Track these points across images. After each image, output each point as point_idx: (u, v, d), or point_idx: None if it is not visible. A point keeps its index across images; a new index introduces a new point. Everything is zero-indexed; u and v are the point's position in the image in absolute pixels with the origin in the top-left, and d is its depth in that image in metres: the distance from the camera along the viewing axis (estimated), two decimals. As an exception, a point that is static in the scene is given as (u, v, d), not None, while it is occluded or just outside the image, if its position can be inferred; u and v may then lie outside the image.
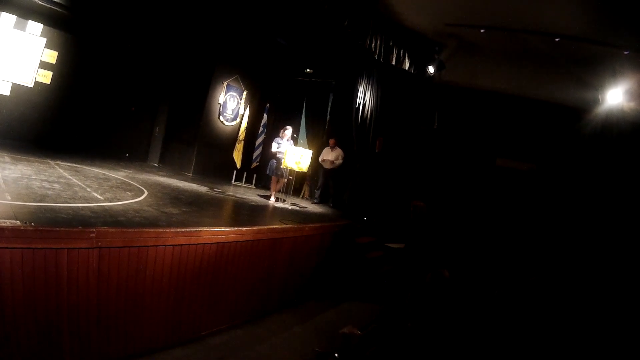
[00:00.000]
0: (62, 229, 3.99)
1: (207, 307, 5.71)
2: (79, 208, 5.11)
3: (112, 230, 4.34)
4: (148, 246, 4.66)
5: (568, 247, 10.94)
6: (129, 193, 7.04)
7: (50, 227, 3.96)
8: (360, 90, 12.41)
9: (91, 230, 4.12)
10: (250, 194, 11.32)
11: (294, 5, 10.21)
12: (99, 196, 6.14)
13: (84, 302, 4.18)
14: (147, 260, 4.68)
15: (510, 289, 8.48)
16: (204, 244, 5.37)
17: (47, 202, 5.02)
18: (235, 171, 13.47)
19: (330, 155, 12.03)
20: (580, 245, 10.78)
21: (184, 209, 6.80)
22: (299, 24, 11.40)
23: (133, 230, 4.58)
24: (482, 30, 10.12)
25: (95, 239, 4.13)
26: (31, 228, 3.77)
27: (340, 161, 12.02)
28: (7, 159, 7.69)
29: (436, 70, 11.65)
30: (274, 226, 7.07)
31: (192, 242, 5.20)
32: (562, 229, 11.52)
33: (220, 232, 5.65)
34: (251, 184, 13.65)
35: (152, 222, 5.31)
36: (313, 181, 13.15)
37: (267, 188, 12.08)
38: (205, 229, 5.44)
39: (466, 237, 12.04)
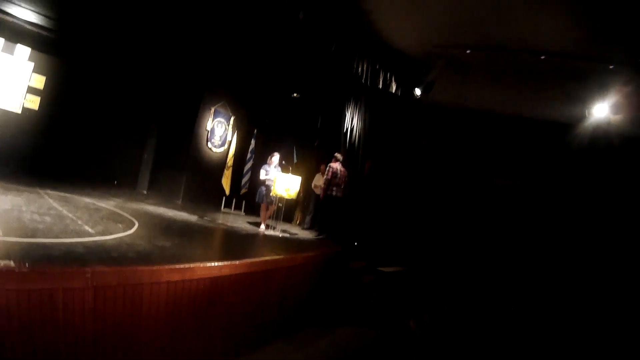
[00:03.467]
0: (58, 269, 3.94)
1: (203, 341, 5.64)
2: (72, 244, 5.05)
3: (107, 269, 4.30)
4: (143, 283, 4.61)
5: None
6: (120, 225, 6.97)
7: (45, 267, 3.91)
8: (348, 115, 12.52)
9: (86, 270, 4.07)
10: (240, 222, 11.27)
11: (281, 30, 10.28)
12: (90, 229, 6.07)
13: (81, 341, 4.11)
14: (142, 298, 4.62)
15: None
16: (198, 279, 5.32)
17: (39, 237, 4.97)
18: (224, 198, 13.42)
19: (321, 181, 11.90)
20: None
21: (176, 241, 6.75)
22: (285, 49, 11.46)
23: (128, 268, 4.54)
24: (468, 51, 10.27)
25: (91, 279, 4.07)
26: (25, 269, 3.72)
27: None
28: (-5, 189, 7.62)
29: (423, 92, 11.75)
30: (267, 258, 7.02)
31: (187, 278, 5.15)
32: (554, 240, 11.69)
33: (213, 267, 5.61)
34: (240, 210, 13.60)
35: (146, 258, 5.27)
36: (304, 207, 13.13)
37: (257, 214, 12.06)
38: (199, 264, 5.39)
39: (459, 257, 12.14)
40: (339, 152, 11.24)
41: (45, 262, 4.15)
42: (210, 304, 5.64)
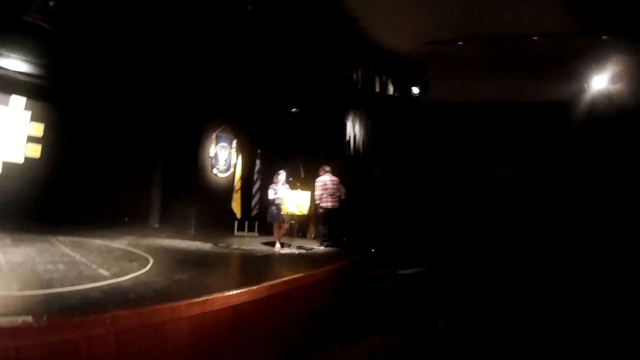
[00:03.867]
0: (76, 318, 3.89)
1: (230, 372, 5.58)
2: (88, 290, 5.01)
3: (126, 312, 4.25)
4: (165, 322, 4.55)
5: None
6: (135, 264, 6.93)
7: (63, 318, 3.87)
8: (349, 123, 12.47)
9: (105, 315, 4.03)
10: (255, 244, 11.22)
11: (272, 49, 10.27)
12: (105, 272, 6.03)
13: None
14: (164, 336, 4.57)
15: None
16: (219, 309, 5.26)
17: (55, 287, 4.93)
18: (236, 221, 13.39)
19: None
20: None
21: (192, 273, 6.70)
22: (280, 67, 11.44)
23: (147, 308, 4.48)
24: (460, 43, 10.22)
25: (110, 324, 4.02)
26: (44, 323, 3.68)
27: (343, 197, 11.80)
28: (8, 240, 7.62)
29: (421, 90, 11.72)
30: (286, 278, 6.95)
31: (207, 310, 5.08)
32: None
33: (233, 295, 5.54)
34: (254, 231, 13.55)
35: (164, 295, 5.21)
36: (317, 221, 13.04)
37: (271, 234, 12.00)
38: (218, 295, 5.32)
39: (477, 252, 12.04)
40: (327, 164, 11.32)
41: (63, 312, 4.11)
42: (234, 332, 5.57)
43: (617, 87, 9.85)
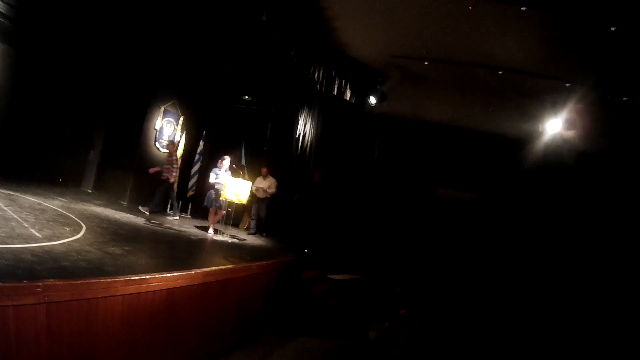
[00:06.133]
0: (7, 284, 3.61)
1: (161, 355, 5.39)
2: (19, 250, 4.73)
3: (60, 283, 4.00)
4: (98, 298, 4.33)
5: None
6: (67, 229, 6.60)
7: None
8: (301, 121, 12.40)
9: (37, 284, 3.77)
10: (187, 225, 10.93)
11: (240, 32, 10.06)
12: (37, 233, 5.71)
13: (35, 361, 3.82)
14: (97, 312, 4.35)
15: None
16: (154, 291, 5.08)
17: (-15, 243, 4.63)
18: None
19: (263, 184, 11.84)
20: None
21: (126, 248, 6.46)
22: (242, 50, 11.23)
23: (82, 281, 4.24)
24: (426, 63, 10.35)
25: (42, 294, 3.77)
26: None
27: (273, 190, 11.83)
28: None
29: (378, 101, 11.80)
30: (223, 267, 6.84)
31: (142, 290, 4.90)
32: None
33: (169, 277, 5.38)
34: (187, 213, 13.19)
35: (98, 267, 4.98)
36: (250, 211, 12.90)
37: (203, 218, 11.74)
38: (154, 275, 5.14)
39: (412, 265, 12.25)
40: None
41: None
42: (168, 316, 5.42)
43: (570, 133, 10.20)
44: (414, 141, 14.01)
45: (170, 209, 11.57)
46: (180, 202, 12.10)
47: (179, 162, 11.34)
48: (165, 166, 11.00)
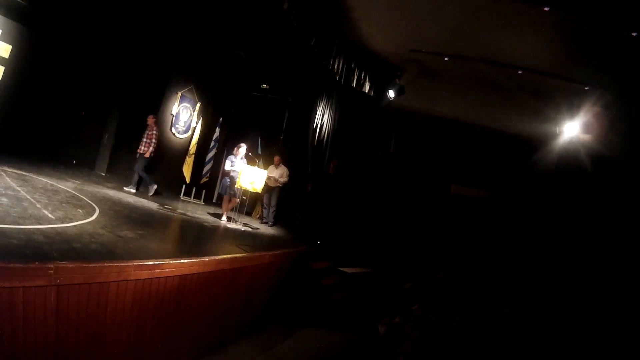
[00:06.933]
0: (18, 265, 3.54)
1: (168, 341, 5.36)
2: (31, 231, 4.65)
3: (72, 265, 3.93)
4: (110, 282, 4.27)
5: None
6: (80, 211, 6.55)
7: (3, 263, 3.51)
8: (319, 111, 12.26)
9: (49, 266, 3.70)
10: (200, 212, 10.90)
11: (260, 20, 9.95)
12: (50, 215, 5.65)
13: (42, 343, 3.76)
14: (108, 297, 4.29)
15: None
16: (166, 277, 5.01)
17: (-4, 222, 4.57)
18: (184, 185, 12.99)
19: (274, 173, 11.67)
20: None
21: (139, 232, 6.40)
22: (261, 38, 11.13)
23: (94, 265, 4.17)
24: (446, 59, 10.21)
25: (54, 276, 3.71)
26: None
27: (285, 179, 11.69)
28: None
29: (396, 94, 11.64)
30: (235, 255, 6.75)
31: (155, 276, 4.83)
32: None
33: (182, 264, 5.31)
34: (200, 199, 13.16)
35: (110, 250, 4.92)
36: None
37: (216, 205, 11.68)
38: (167, 261, 5.07)
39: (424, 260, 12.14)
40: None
41: (4, 254, 3.75)
42: (177, 303, 5.36)
43: (586, 137, 10.00)
44: (429, 136, 13.88)
45: (136, 183, 11.19)
46: (147, 178, 11.70)
47: (157, 137, 11.19)
48: (144, 140, 10.99)
